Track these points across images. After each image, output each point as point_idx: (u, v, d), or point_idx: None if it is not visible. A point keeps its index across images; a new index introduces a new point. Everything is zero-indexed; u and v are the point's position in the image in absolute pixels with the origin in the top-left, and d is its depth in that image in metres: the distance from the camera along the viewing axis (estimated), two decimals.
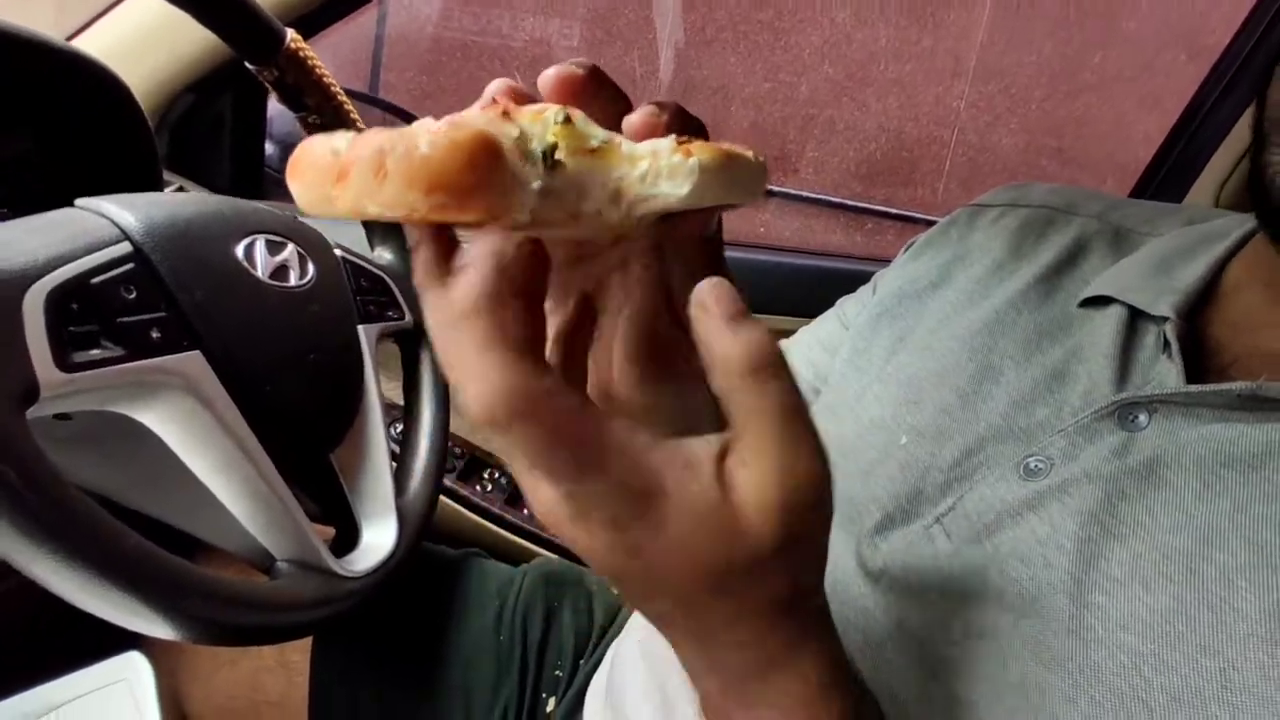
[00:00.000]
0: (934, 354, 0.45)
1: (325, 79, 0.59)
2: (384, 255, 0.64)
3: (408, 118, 1.01)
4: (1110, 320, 0.40)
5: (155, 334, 0.37)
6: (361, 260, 0.58)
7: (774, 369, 0.22)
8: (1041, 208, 0.50)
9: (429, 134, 0.20)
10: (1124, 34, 2.05)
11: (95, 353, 0.34)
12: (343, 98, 0.60)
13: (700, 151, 0.23)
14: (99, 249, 0.36)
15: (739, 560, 0.22)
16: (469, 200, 0.20)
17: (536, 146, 0.22)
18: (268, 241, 0.47)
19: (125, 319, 0.36)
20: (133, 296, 0.37)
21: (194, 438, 0.39)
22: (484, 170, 0.20)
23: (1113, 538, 0.34)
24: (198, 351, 0.39)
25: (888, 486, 0.41)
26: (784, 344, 0.58)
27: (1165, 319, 0.38)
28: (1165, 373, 0.37)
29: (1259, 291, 0.38)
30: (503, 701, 0.62)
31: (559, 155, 0.22)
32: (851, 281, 0.61)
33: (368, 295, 0.57)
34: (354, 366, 0.52)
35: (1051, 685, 0.32)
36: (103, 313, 0.35)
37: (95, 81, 0.55)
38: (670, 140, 0.23)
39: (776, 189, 2.07)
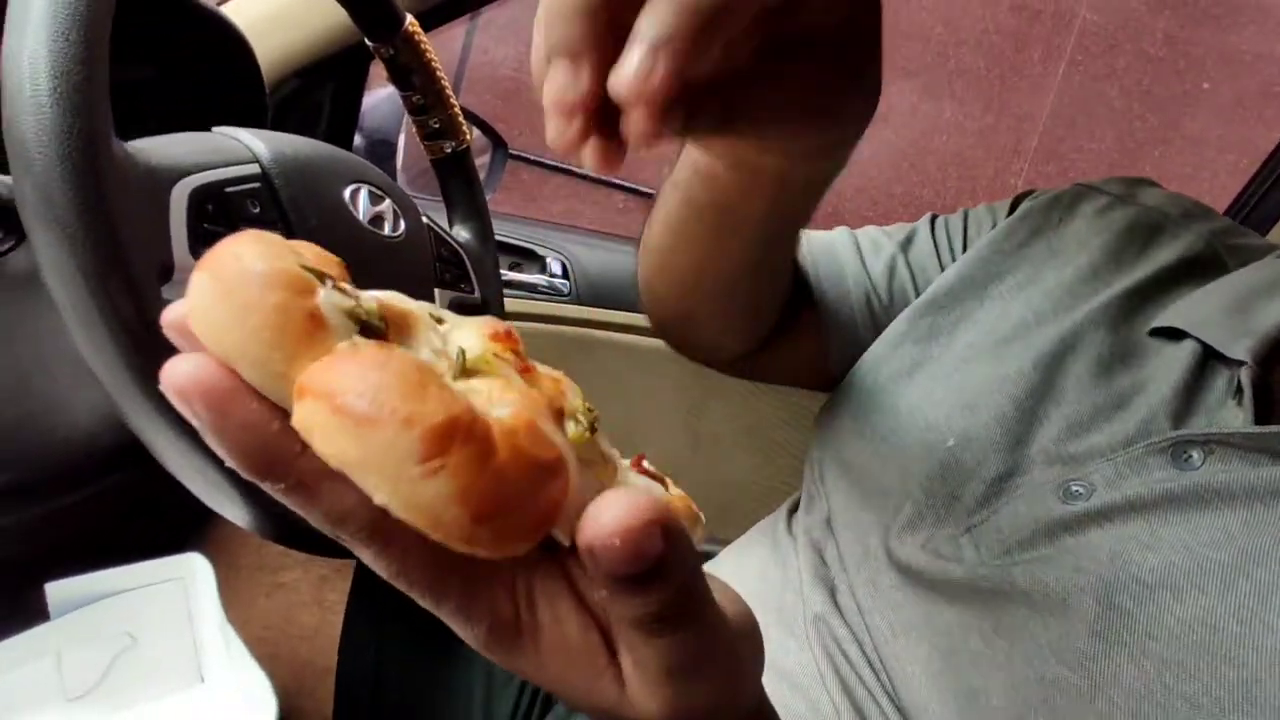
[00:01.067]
0: (1001, 361, 0.43)
1: (434, 64, 0.63)
2: (462, 233, 0.67)
3: (484, 126, 1.06)
4: (1183, 355, 0.39)
5: None
6: (444, 232, 0.61)
7: (665, 625, 0.18)
8: (1155, 209, 0.46)
9: (507, 432, 0.15)
10: (1185, 133, 2.07)
11: None
12: (446, 84, 0.65)
13: (683, 512, 0.23)
14: (233, 165, 0.40)
15: None
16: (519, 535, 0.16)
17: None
18: (370, 192, 0.50)
19: (248, 227, 0.39)
20: (256, 210, 0.40)
21: None
22: (558, 501, 0.17)
23: (1148, 550, 0.34)
24: None
25: (925, 485, 0.41)
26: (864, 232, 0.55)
27: (1242, 363, 0.36)
28: (1231, 417, 0.36)
29: None
30: None
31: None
32: None
33: (446, 264, 0.60)
34: None
35: (1071, 684, 0.32)
36: (231, 218, 0.39)
37: (225, 37, 0.61)
38: (660, 489, 0.23)
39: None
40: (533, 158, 2.04)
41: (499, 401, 0.16)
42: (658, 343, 1.02)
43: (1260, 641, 0.30)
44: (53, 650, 0.42)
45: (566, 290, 0.99)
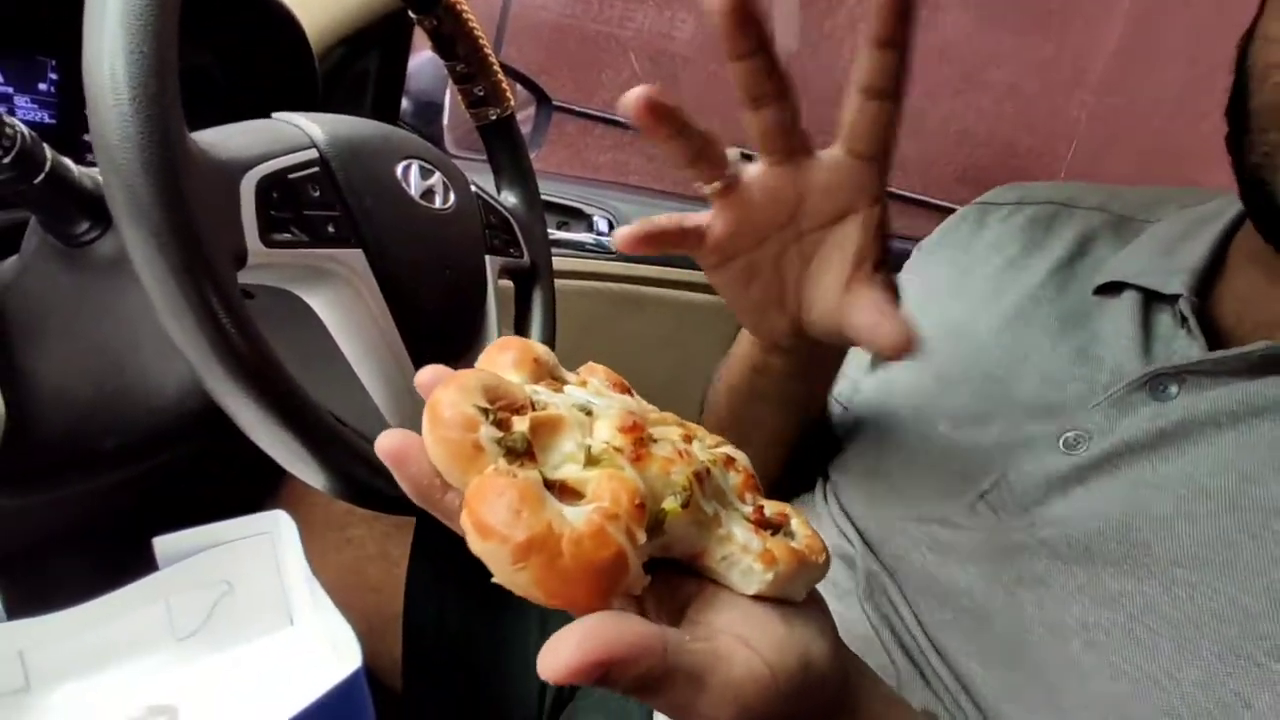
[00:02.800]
0: (961, 346, 0.48)
1: (476, 32, 0.65)
2: (509, 198, 0.69)
3: (527, 82, 1.07)
4: (1126, 304, 0.43)
5: (331, 229, 0.43)
6: (491, 199, 0.63)
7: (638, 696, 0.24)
8: (1046, 203, 0.53)
9: (573, 538, 0.22)
10: None
11: (286, 236, 0.40)
12: (489, 51, 0.66)
13: (783, 563, 0.27)
14: (293, 151, 0.43)
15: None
16: (585, 607, 0.23)
17: (656, 508, 0.25)
18: (420, 167, 0.52)
19: (310, 212, 0.42)
20: (317, 195, 0.43)
21: (350, 323, 0.45)
22: (611, 584, 0.23)
23: (1156, 489, 0.36)
24: (360, 250, 0.45)
25: (932, 471, 0.45)
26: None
27: (1178, 296, 0.40)
28: (1187, 346, 0.39)
29: (1260, 267, 0.40)
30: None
31: (668, 523, 0.25)
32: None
33: (495, 230, 0.62)
34: (480, 290, 0.58)
35: (1108, 621, 0.35)
36: (294, 204, 0.41)
37: (278, 19, 0.63)
38: (760, 544, 0.27)
39: None
40: (578, 109, 2.03)
41: (591, 498, 0.24)
42: (705, 298, 1.03)
43: (1274, 552, 0.32)
44: (162, 596, 0.47)
45: (613, 247, 1.00)
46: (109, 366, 0.51)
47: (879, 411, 0.50)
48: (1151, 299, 0.43)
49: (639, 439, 0.26)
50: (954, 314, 0.50)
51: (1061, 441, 0.40)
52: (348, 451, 0.42)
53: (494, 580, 0.23)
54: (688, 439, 0.30)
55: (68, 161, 0.44)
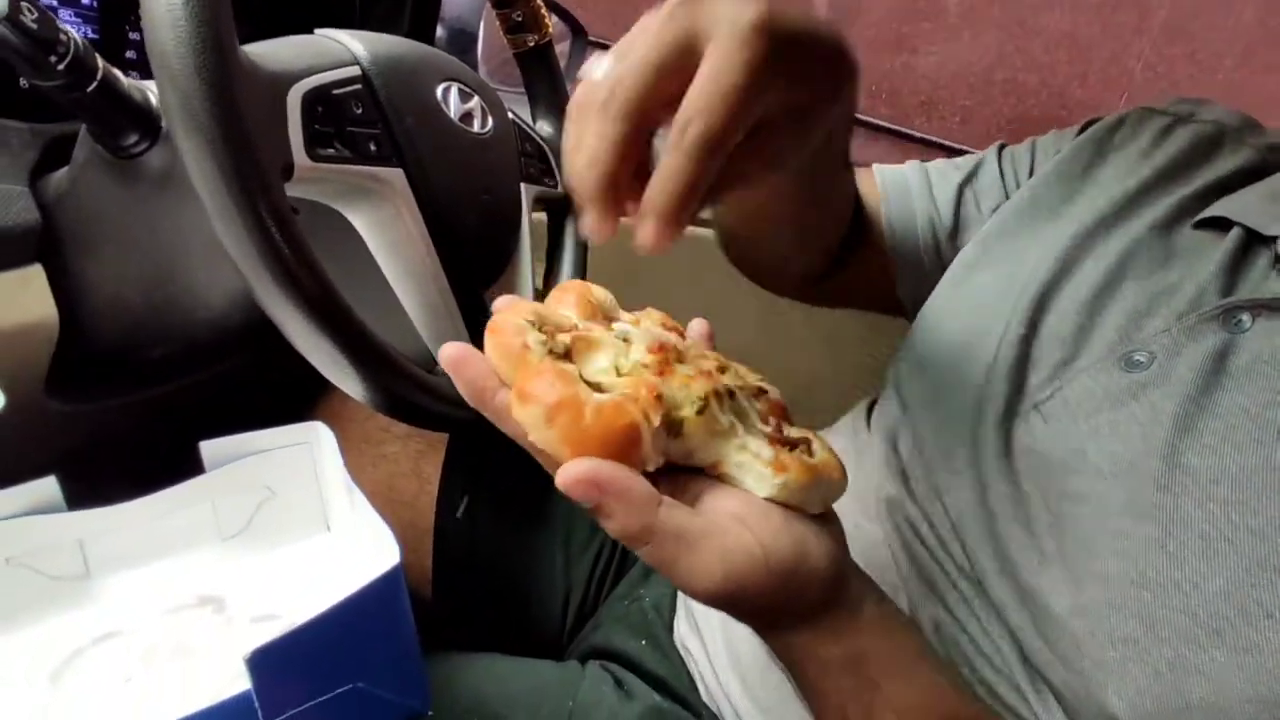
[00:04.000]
0: (1068, 264, 0.46)
1: None
2: (545, 127, 0.69)
3: (564, 13, 1.05)
4: (1227, 242, 0.42)
5: (373, 147, 0.44)
6: (528, 127, 0.64)
7: (628, 542, 0.28)
8: (1214, 123, 0.49)
9: (595, 406, 0.27)
10: None
11: (331, 151, 0.41)
12: None
13: (794, 471, 0.29)
14: (337, 67, 0.43)
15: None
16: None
17: (675, 411, 0.29)
18: (460, 90, 0.53)
19: (353, 129, 0.43)
20: (359, 111, 0.43)
21: (389, 242, 0.46)
22: (623, 450, 0.27)
23: (1208, 414, 0.37)
24: (401, 170, 0.46)
25: (998, 374, 0.45)
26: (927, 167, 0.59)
27: (1277, 238, 0.40)
28: (1274, 285, 0.39)
29: None
30: (597, 542, 0.69)
31: (686, 429, 0.29)
32: None
33: (530, 159, 0.63)
34: (514, 217, 0.59)
35: (1140, 533, 0.36)
36: (338, 119, 0.42)
37: None
38: (772, 453, 0.30)
39: (917, 134, 2.01)
40: (613, 43, 1.99)
41: (616, 388, 0.29)
42: None
43: None
44: (208, 498, 0.49)
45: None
46: (158, 278, 0.52)
47: (968, 298, 0.50)
48: (1253, 239, 0.42)
49: (665, 358, 0.30)
50: (1074, 228, 0.47)
51: (1124, 360, 0.41)
52: (388, 365, 0.43)
53: (530, 438, 0.27)
54: (721, 369, 0.33)
55: (117, 72, 0.44)
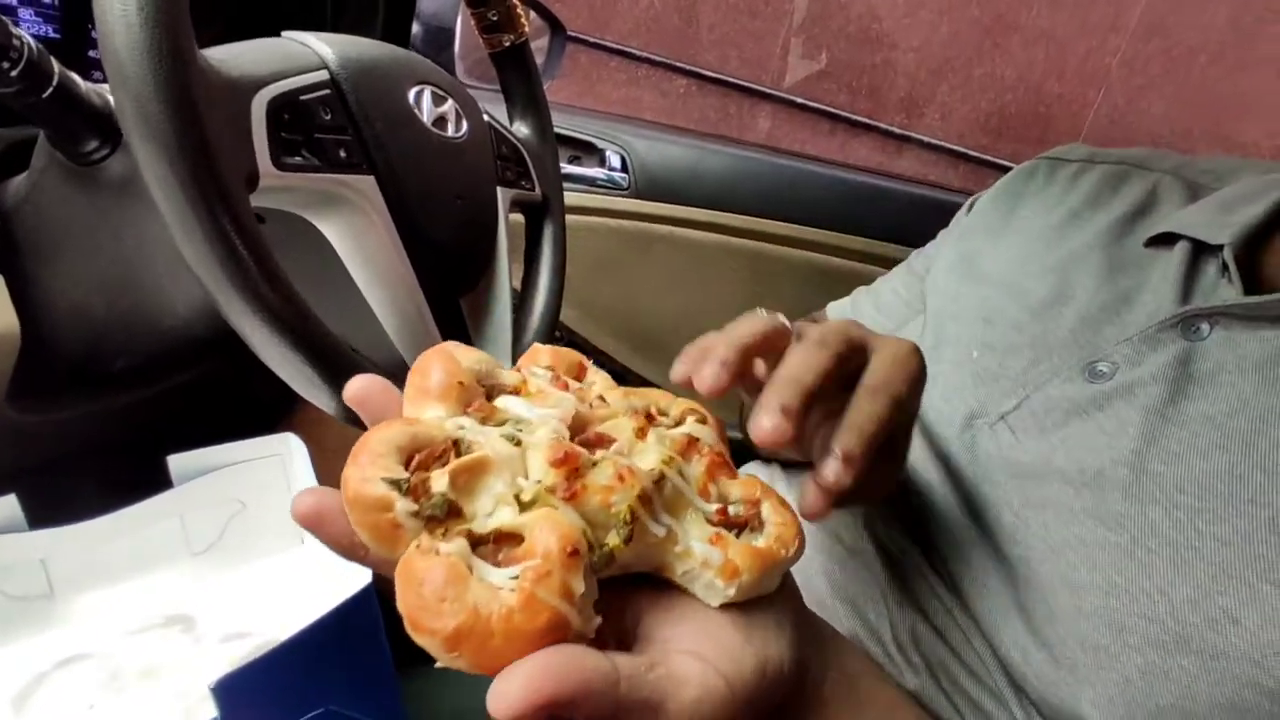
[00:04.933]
0: (1008, 282, 0.49)
1: None
2: (521, 129, 0.68)
3: (542, 9, 1.04)
4: (1175, 255, 0.44)
5: (342, 153, 0.43)
6: (503, 129, 0.62)
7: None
8: (1119, 164, 0.54)
9: (501, 615, 0.21)
10: None
11: (298, 159, 0.40)
12: None
13: (746, 571, 0.26)
14: (304, 73, 0.42)
15: None
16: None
17: (598, 547, 0.24)
18: (433, 93, 0.51)
19: (321, 135, 0.42)
20: (328, 118, 0.42)
21: (361, 251, 0.45)
22: (551, 643, 0.22)
23: (1173, 424, 0.37)
24: (372, 177, 0.45)
25: (961, 394, 0.46)
26: (863, 291, 0.69)
27: (1223, 245, 0.41)
28: (1226, 293, 0.40)
29: None
30: None
31: (615, 556, 0.24)
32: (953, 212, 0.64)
33: (507, 162, 0.61)
34: (491, 222, 0.58)
35: (1109, 541, 0.36)
36: (305, 126, 0.41)
37: None
38: (720, 556, 0.26)
39: (898, 130, 2.02)
40: (591, 40, 1.98)
41: (525, 552, 0.23)
42: (716, 238, 1.02)
43: None
44: (176, 513, 0.48)
45: (625, 184, 0.99)
46: (121, 287, 0.51)
47: (931, 334, 0.52)
48: (1200, 250, 0.43)
49: (572, 471, 0.24)
50: (1008, 258, 0.51)
51: (1087, 371, 0.41)
52: (356, 374, 0.42)
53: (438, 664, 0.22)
54: (642, 432, 0.28)
55: (75, 76, 0.43)
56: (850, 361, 0.32)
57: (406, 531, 0.22)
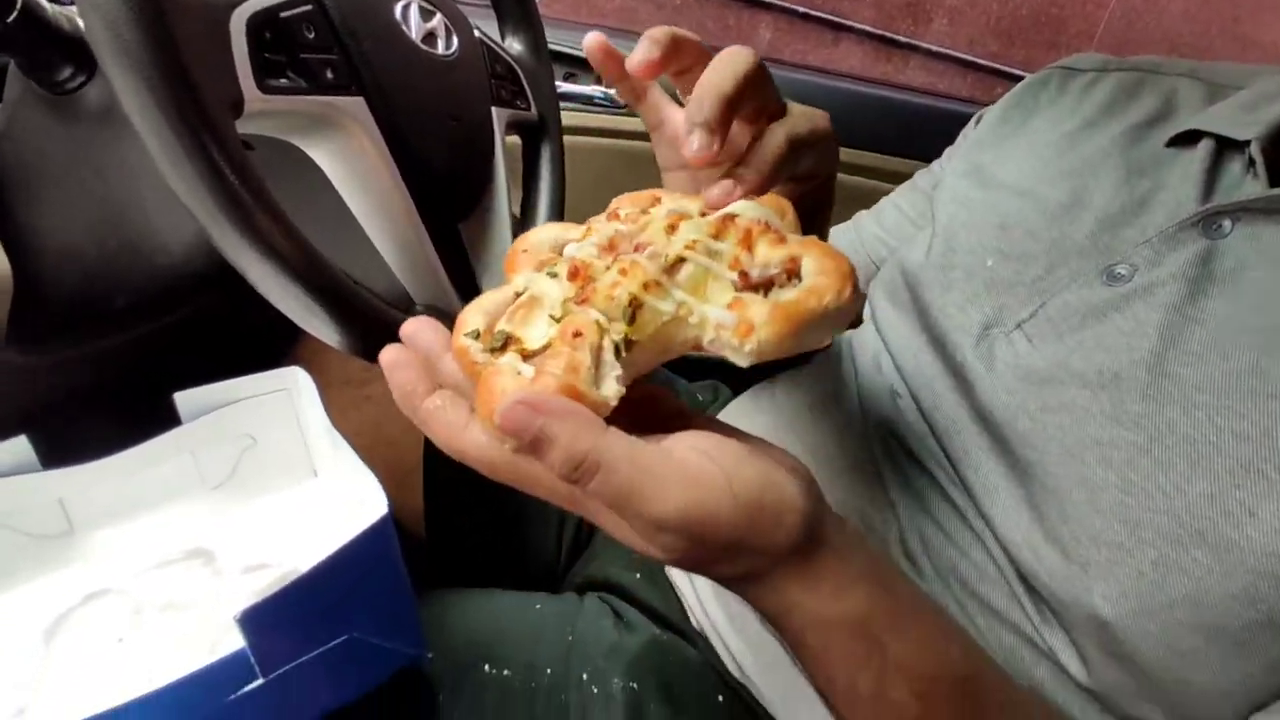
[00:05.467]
0: (1023, 189, 0.48)
1: None
2: (514, 45, 0.65)
3: None
4: (1198, 153, 0.43)
5: (329, 74, 0.41)
6: (496, 45, 0.60)
7: (576, 478, 0.26)
8: (1133, 70, 0.52)
9: (515, 389, 0.26)
10: None
11: (284, 81, 0.38)
12: None
13: (763, 327, 0.27)
14: None
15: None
16: None
17: (610, 343, 0.28)
18: (420, 8, 0.49)
19: (306, 55, 0.40)
20: (312, 36, 0.40)
21: (354, 177, 0.44)
22: None
23: (1194, 323, 0.37)
24: (361, 98, 0.43)
25: (976, 303, 0.45)
26: (865, 214, 0.68)
27: (1249, 141, 0.40)
28: (1251, 188, 0.39)
29: None
30: None
31: (632, 338, 0.28)
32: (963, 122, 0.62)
33: (501, 80, 0.59)
34: (486, 144, 0.56)
35: (1126, 441, 0.36)
36: (289, 46, 0.39)
37: None
38: (733, 318, 0.27)
39: (903, 39, 1.94)
40: None
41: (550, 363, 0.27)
42: None
43: None
44: (188, 449, 0.48)
45: (622, 102, 0.95)
46: (111, 222, 0.50)
47: (940, 243, 0.51)
48: (1224, 147, 0.42)
49: (585, 281, 0.29)
50: (1022, 166, 0.50)
51: (1106, 274, 0.41)
52: (362, 308, 0.41)
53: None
54: (672, 227, 0.30)
55: (42, 0, 0.41)
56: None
57: (480, 364, 0.28)
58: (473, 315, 0.30)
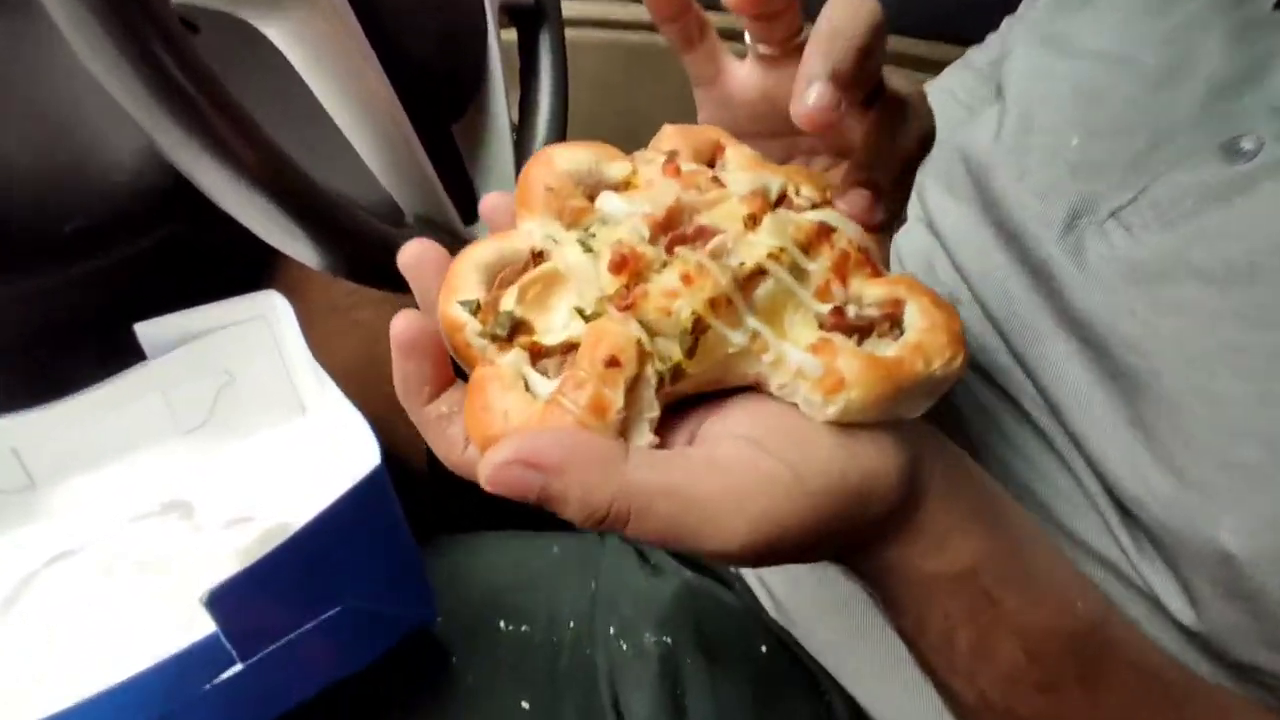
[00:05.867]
0: (1114, 55, 0.41)
1: None
2: None
3: None
4: None
5: None
6: None
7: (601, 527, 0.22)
8: None
9: (526, 427, 0.21)
10: None
11: None
12: None
13: (857, 385, 0.21)
14: None
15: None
16: None
17: (653, 374, 0.22)
18: None
19: None
20: None
21: (323, 65, 0.37)
22: None
23: None
24: None
25: (1058, 190, 0.39)
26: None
27: None
28: None
29: None
30: None
31: (683, 370, 0.22)
32: None
33: None
34: (478, 34, 0.48)
35: (1267, 345, 0.31)
36: None
37: None
38: (819, 367, 0.22)
39: None
40: None
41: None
42: (737, 46, 0.91)
43: None
44: (158, 388, 0.43)
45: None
46: (52, 136, 0.43)
47: (1011, 113, 0.44)
48: None
49: (633, 277, 0.22)
50: (1110, 30, 0.43)
51: (1227, 149, 0.35)
52: (342, 222, 0.35)
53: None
54: (754, 219, 0.24)
55: None
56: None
57: (476, 351, 0.23)
58: (468, 272, 0.24)
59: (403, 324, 0.24)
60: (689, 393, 0.23)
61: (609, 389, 0.21)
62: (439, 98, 0.47)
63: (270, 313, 0.44)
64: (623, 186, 0.25)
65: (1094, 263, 0.37)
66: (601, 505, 0.20)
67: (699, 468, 0.21)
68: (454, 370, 0.26)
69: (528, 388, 0.22)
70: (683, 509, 0.20)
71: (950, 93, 0.55)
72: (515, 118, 0.59)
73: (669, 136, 0.28)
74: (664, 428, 0.22)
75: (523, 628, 0.41)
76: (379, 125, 0.39)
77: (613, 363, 0.21)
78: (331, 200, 0.35)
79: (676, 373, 0.22)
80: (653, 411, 0.22)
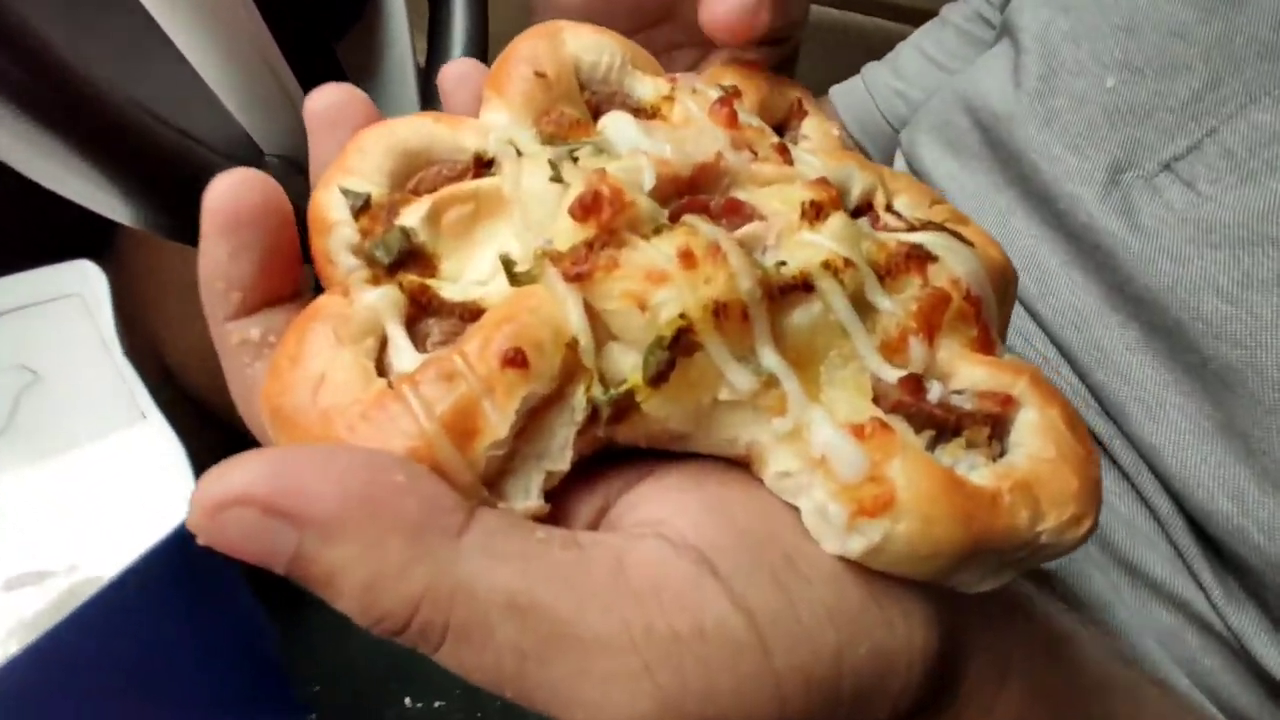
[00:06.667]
0: None
1: None
2: None
3: None
4: None
5: None
6: None
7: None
8: None
9: (345, 424, 0.13)
10: None
11: None
12: None
13: (907, 513, 0.13)
14: None
15: None
16: None
17: (582, 403, 0.14)
18: None
19: None
20: None
21: None
22: None
23: None
24: None
25: (1094, 140, 0.33)
26: (873, 66, 0.53)
27: None
28: None
29: None
30: None
31: (644, 405, 0.14)
32: None
33: None
34: None
35: None
36: None
37: None
38: (860, 464, 0.13)
39: None
40: None
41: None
42: None
43: None
44: None
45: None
46: None
47: (1012, 76, 0.37)
48: None
49: (604, 231, 0.14)
50: None
51: None
52: (168, 159, 0.25)
53: None
54: (817, 211, 0.16)
55: None
56: None
57: (339, 270, 0.16)
58: (375, 152, 0.17)
59: (233, 186, 0.15)
60: (628, 444, 0.14)
61: (492, 402, 0.13)
62: (316, 6, 0.36)
63: (86, 289, 0.34)
64: (648, 113, 0.19)
65: (1150, 225, 0.31)
66: (398, 606, 0.11)
67: (592, 578, 0.12)
68: (302, 281, 0.17)
69: (381, 352, 0.15)
70: (543, 645, 0.11)
71: (923, 52, 0.50)
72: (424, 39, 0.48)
73: (729, 73, 0.21)
74: (566, 491, 0.14)
75: (435, 704, 0.31)
76: (231, 45, 0.29)
77: (515, 360, 0.13)
78: (151, 131, 0.25)
79: (622, 406, 0.14)
80: (557, 462, 0.14)
